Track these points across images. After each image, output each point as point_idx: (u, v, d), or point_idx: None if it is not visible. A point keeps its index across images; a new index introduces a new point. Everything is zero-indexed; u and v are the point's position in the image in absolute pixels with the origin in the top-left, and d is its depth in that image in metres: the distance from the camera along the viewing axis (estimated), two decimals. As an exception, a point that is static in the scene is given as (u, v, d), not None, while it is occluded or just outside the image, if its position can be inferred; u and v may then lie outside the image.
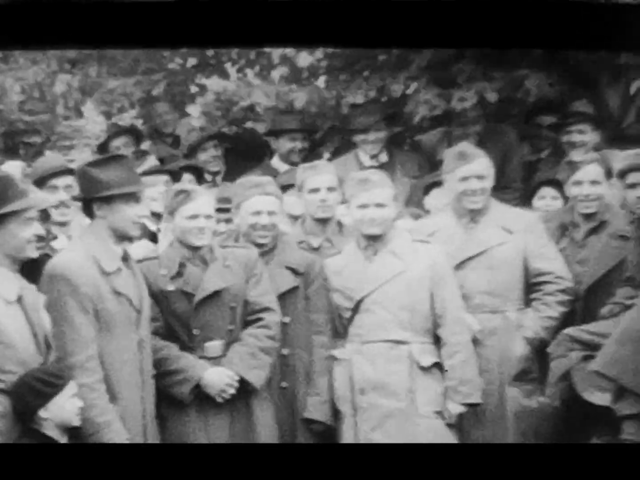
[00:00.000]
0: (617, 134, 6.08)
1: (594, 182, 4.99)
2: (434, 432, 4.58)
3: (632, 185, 4.55)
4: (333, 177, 5.16)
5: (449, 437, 4.60)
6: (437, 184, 5.41)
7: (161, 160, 6.37)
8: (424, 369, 4.64)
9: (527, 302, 4.97)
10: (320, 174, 5.14)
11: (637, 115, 6.11)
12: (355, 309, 4.72)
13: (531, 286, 4.96)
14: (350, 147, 6.43)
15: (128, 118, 7.63)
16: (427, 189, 5.55)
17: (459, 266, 4.89)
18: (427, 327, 4.69)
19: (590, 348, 4.23)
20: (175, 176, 5.72)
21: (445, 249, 4.87)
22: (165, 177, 5.70)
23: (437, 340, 4.72)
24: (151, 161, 6.33)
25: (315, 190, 5.09)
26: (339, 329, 4.79)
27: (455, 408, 4.62)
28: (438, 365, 4.67)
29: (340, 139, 6.84)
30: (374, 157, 6.22)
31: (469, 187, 4.91)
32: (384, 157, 6.24)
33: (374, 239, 4.72)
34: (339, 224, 5.19)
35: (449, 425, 4.63)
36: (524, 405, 4.77)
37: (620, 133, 6.14)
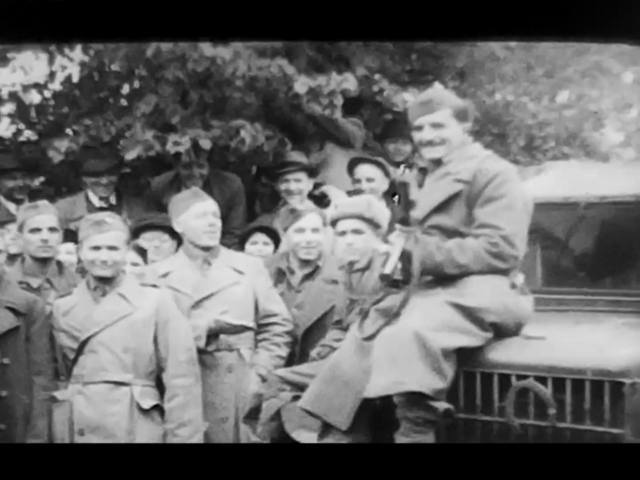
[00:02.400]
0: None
1: (314, 230, 5.23)
2: None
3: (342, 233, 4.78)
4: (54, 217, 5.18)
5: None
6: (148, 227, 5.51)
7: None
8: (144, 411, 4.67)
9: (256, 341, 5.12)
10: (42, 213, 5.14)
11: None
12: (80, 350, 4.71)
13: (260, 326, 5.11)
14: (81, 185, 6.42)
15: None
16: (137, 231, 5.50)
17: (196, 305, 5.00)
18: (151, 370, 4.74)
19: (299, 388, 4.32)
20: None
21: (180, 289, 4.99)
22: None
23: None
24: None
25: (36, 230, 5.10)
26: (62, 371, 4.78)
27: None
28: (159, 408, 4.73)
29: (71, 177, 6.83)
30: (103, 198, 6.24)
31: (207, 222, 5.04)
32: (113, 199, 6.27)
33: (103, 281, 4.74)
34: (59, 264, 5.20)
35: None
36: (253, 441, 4.91)
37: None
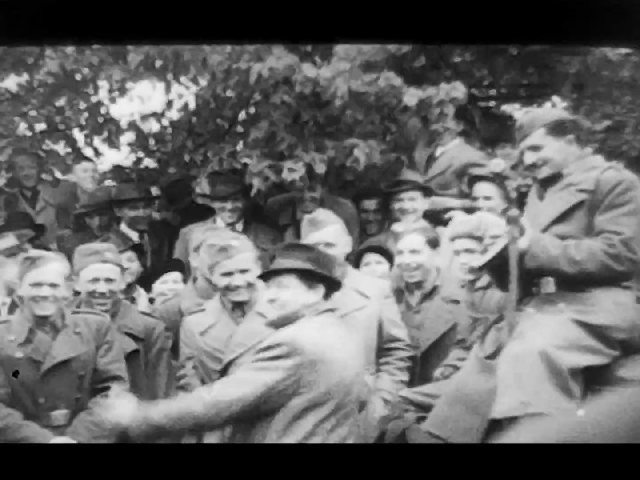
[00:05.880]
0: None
1: (413, 251, 5.11)
2: None
3: (457, 252, 4.75)
4: None
5: None
6: None
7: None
8: None
9: (378, 365, 5.03)
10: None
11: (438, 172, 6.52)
12: (224, 371, 4.63)
13: (383, 350, 5.04)
14: (209, 213, 6.48)
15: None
16: None
17: None
18: None
19: (424, 409, 4.28)
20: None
21: None
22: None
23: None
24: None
25: None
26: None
27: None
28: None
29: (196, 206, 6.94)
30: (230, 225, 6.24)
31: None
32: (239, 227, 6.27)
33: (240, 303, 4.70)
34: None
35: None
36: None
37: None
